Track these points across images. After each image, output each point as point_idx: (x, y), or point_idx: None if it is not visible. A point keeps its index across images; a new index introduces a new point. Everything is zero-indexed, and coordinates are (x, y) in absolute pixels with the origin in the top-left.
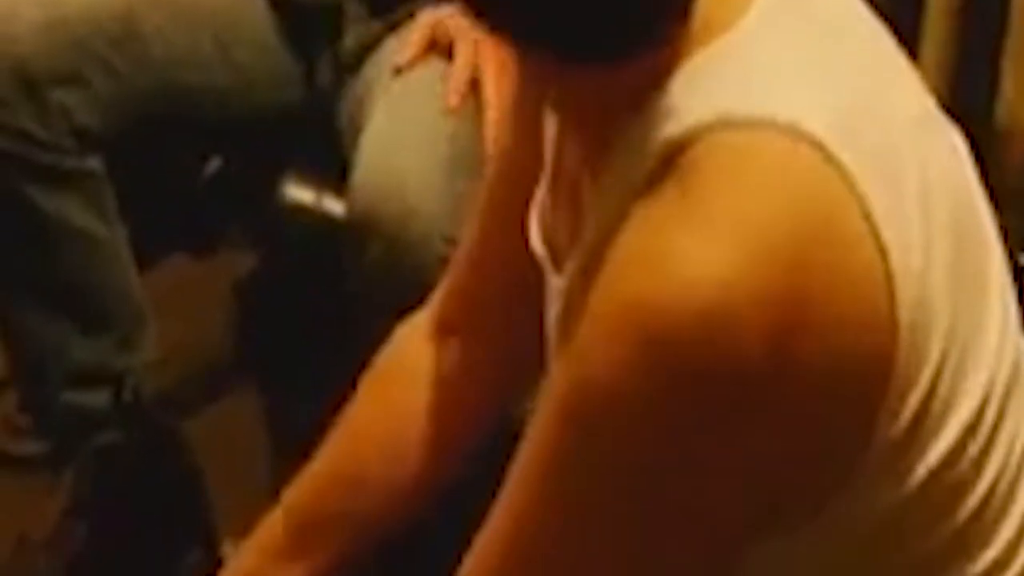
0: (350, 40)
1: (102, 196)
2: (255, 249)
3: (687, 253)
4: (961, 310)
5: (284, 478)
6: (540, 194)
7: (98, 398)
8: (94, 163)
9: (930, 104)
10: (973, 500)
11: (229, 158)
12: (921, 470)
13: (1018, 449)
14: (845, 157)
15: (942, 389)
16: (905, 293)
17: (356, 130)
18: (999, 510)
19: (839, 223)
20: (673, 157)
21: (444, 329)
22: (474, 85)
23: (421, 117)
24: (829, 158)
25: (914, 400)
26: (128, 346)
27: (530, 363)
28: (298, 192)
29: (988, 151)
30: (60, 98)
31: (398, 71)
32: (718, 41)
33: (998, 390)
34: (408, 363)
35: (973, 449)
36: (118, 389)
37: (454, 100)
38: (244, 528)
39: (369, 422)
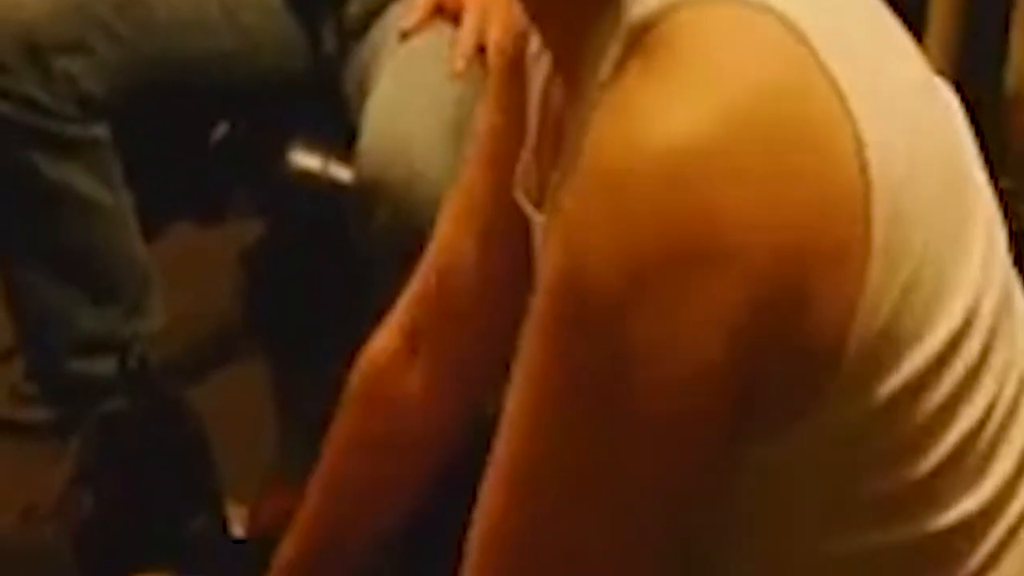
0: (355, 6)
1: (107, 164)
2: (261, 216)
3: (654, 117)
4: (940, 232)
5: (289, 446)
6: (523, 158)
7: (104, 366)
8: (99, 130)
9: (929, 73)
10: (963, 425)
11: (235, 124)
12: (897, 382)
13: (1011, 385)
14: (819, 43)
15: (919, 296)
16: (882, 181)
17: (362, 96)
18: (991, 443)
19: (810, 95)
20: (639, 38)
21: (413, 342)
22: (480, 49)
23: (427, 82)
24: (802, 38)
25: (890, 299)
26: (135, 314)
27: (502, 365)
28: (305, 159)
29: (997, 117)
30: (65, 65)
31: (404, 36)
32: None
33: (985, 321)
34: (381, 392)
35: (958, 367)
36: (124, 357)
37: (460, 64)
38: (250, 496)
39: (347, 469)
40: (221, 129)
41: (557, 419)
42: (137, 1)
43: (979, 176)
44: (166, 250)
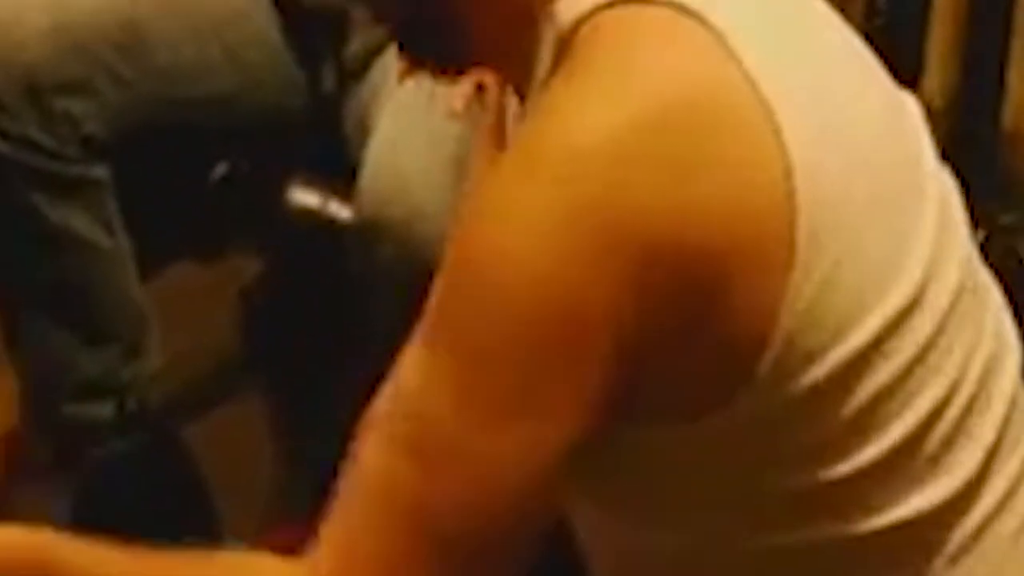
0: (356, 45)
1: (105, 205)
2: (261, 254)
3: (569, 116)
4: (872, 230)
5: (289, 484)
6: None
7: (103, 409)
8: (99, 172)
9: (881, 80)
10: (905, 423)
11: (235, 163)
12: (819, 375)
13: (972, 377)
14: (751, 53)
15: (842, 292)
16: (807, 195)
17: (362, 135)
18: (944, 441)
19: (728, 103)
20: (568, 41)
21: None
22: (479, 88)
23: (427, 121)
24: (728, 46)
25: (810, 295)
26: (132, 356)
27: None
28: (304, 197)
29: (995, 152)
30: (66, 106)
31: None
32: None
33: (933, 313)
34: None
35: (894, 363)
36: (122, 400)
37: (459, 104)
38: (249, 534)
39: None
40: (221, 168)
41: (439, 373)
42: (139, 43)
43: (929, 165)
44: (166, 288)
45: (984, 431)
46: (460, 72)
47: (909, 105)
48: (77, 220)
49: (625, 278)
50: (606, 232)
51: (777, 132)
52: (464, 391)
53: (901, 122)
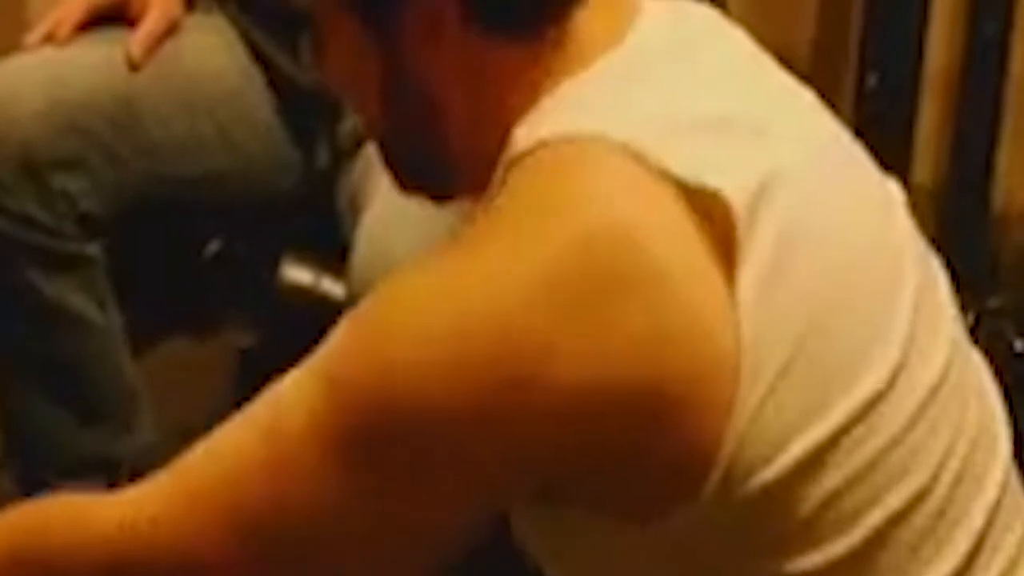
0: (349, 123)
1: (99, 281)
2: (254, 330)
3: (488, 255)
4: (830, 330)
5: None
6: None
7: (94, 485)
8: (94, 249)
9: (870, 168)
10: (887, 509)
11: (229, 240)
12: (769, 476)
13: (956, 461)
14: (686, 171)
15: (793, 395)
16: (748, 314)
17: (355, 212)
18: (932, 526)
19: (659, 235)
20: (504, 175)
21: None
22: None
23: (419, 200)
24: (660, 174)
25: (758, 395)
26: (124, 431)
27: None
28: (297, 274)
29: (985, 233)
30: (62, 183)
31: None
32: (582, 73)
33: (902, 409)
34: None
35: (854, 459)
36: (114, 475)
37: None
38: None
39: None
40: (215, 244)
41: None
42: (134, 121)
43: (911, 251)
44: (158, 364)
45: (973, 517)
46: (440, 199)
47: (892, 190)
48: (71, 296)
49: (534, 425)
50: (509, 383)
51: (728, 260)
52: (330, 439)
53: (882, 208)
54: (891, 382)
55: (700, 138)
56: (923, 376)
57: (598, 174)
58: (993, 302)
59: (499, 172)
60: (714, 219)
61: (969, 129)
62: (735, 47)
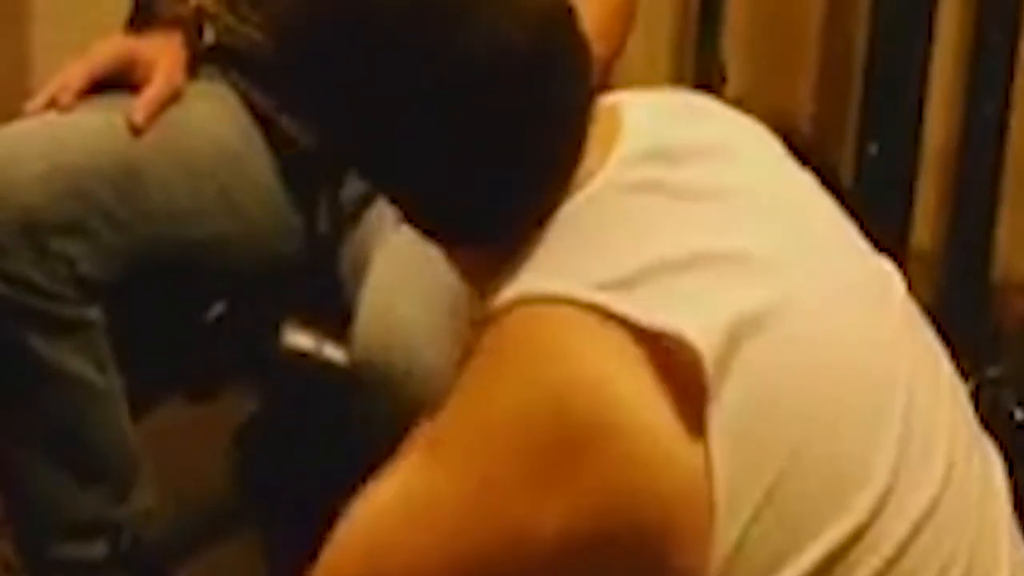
0: (352, 189)
1: (99, 344)
2: (257, 395)
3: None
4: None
5: None
6: None
7: (94, 549)
8: (94, 313)
9: (865, 250)
10: None
11: (231, 304)
12: None
13: (964, 552)
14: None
15: (783, 505)
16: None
17: (357, 278)
18: None
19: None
20: (485, 326)
21: None
22: None
23: (423, 266)
24: (630, 335)
25: (740, 524)
26: (124, 495)
27: None
28: (299, 339)
29: (985, 303)
30: (62, 247)
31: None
32: (564, 208)
33: (898, 525)
34: None
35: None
36: (115, 540)
37: None
38: None
39: None
40: (217, 308)
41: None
42: (135, 184)
43: (907, 338)
44: (159, 427)
45: None
46: None
47: (886, 272)
48: (71, 360)
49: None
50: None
51: (698, 398)
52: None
53: (875, 304)
54: (877, 511)
55: (668, 281)
56: (916, 499)
57: (567, 333)
58: (992, 371)
59: (480, 325)
60: (680, 362)
61: (968, 199)
62: (717, 134)
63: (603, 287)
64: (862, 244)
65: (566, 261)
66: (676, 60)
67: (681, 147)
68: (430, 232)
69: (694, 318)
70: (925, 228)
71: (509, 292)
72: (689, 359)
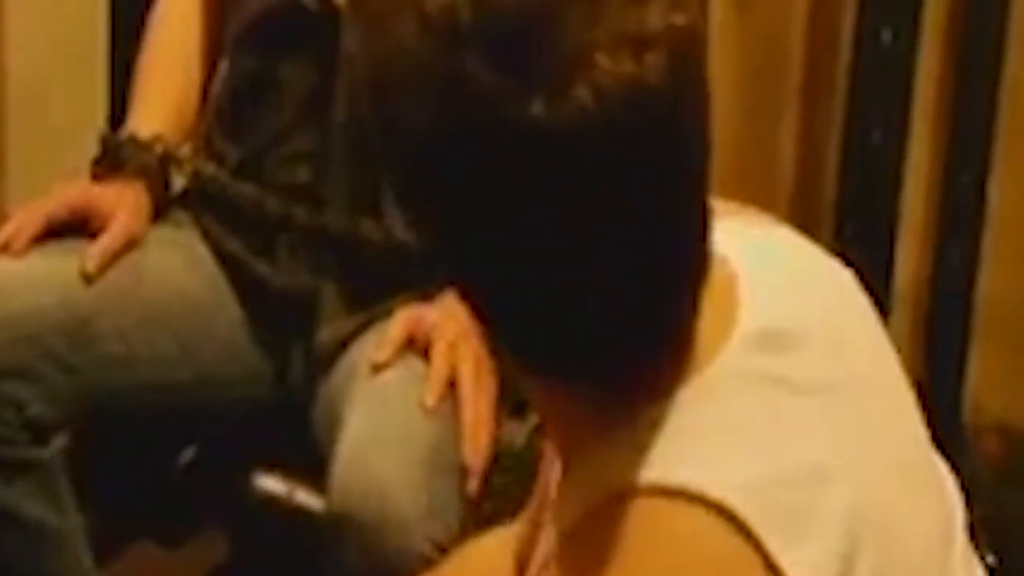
0: (325, 335)
1: (56, 485)
2: (229, 541)
3: None
4: None
5: None
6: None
7: None
8: (46, 453)
9: (923, 450)
10: None
11: (203, 447)
12: None
13: None
14: (753, 521)
15: None
16: None
17: (331, 426)
18: None
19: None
20: (604, 506)
21: None
22: (451, 385)
23: (399, 417)
24: (736, 526)
25: None
26: None
27: None
28: (271, 484)
29: (956, 444)
30: (11, 390)
31: (376, 369)
32: (684, 389)
33: None
34: None
35: None
36: None
37: (431, 401)
38: None
39: None
40: (188, 452)
41: None
42: (90, 333)
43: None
44: (127, 572)
45: None
46: None
47: (954, 503)
48: (26, 502)
49: None
50: None
51: None
52: None
53: (944, 537)
54: None
55: (791, 495)
56: None
57: (694, 540)
58: (977, 512)
59: (601, 505)
60: None
61: (939, 340)
62: (823, 310)
63: (736, 488)
64: (936, 461)
65: (694, 454)
66: None
67: (794, 330)
68: (546, 365)
69: (817, 548)
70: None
71: (634, 474)
72: None
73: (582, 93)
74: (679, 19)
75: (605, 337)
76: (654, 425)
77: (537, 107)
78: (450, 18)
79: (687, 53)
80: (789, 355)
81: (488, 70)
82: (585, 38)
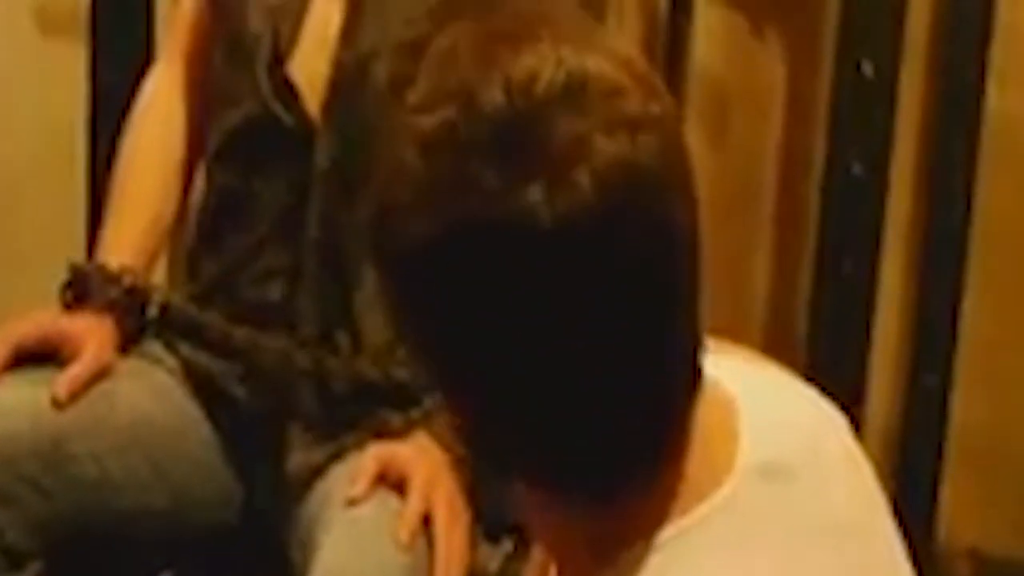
0: (296, 462)
1: None
2: None
3: None
4: None
5: None
6: None
7: None
8: None
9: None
10: None
11: (180, 571)
12: None
13: None
14: None
15: None
16: None
17: (304, 557)
18: None
19: None
20: None
21: None
22: (425, 521)
23: (373, 553)
24: None
25: None
26: None
27: None
28: None
29: (930, 572)
30: None
31: (350, 503)
32: (683, 519)
33: None
34: None
35: None
36: None
37: (405, 537)
38: None
39: None
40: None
41: None
42: (67, 458)
43: None
44: None
45: None
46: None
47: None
48: None
49: None
50: None
51: None
52: None
53: None
54: None
55: None
56: None
57: None
58: None
59: None
60: None
61: (911, 468)
62: (803, 449)
63: None
64: None
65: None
66: None
67: (792, 462)
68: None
69: None
70: None
71: None
72: None
73: (582, 178)
74: (656, 108)
75: (601, 441)
76: (674, 554)
77: (535, 194)
78: (447, 135)
79: (674, 135)
80: (789, 488)
81: (489, 168)
82: (580, 125)
